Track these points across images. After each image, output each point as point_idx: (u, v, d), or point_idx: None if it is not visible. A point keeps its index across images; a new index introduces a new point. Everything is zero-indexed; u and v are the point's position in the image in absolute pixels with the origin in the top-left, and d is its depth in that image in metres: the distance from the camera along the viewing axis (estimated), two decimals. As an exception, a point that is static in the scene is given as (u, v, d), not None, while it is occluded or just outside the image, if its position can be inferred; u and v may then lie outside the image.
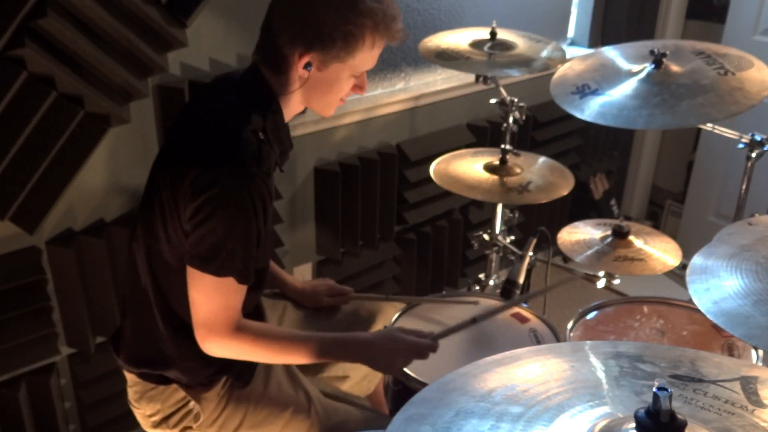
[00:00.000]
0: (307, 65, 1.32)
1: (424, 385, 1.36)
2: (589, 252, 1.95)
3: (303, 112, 1.67)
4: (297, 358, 1.42)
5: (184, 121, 1.40)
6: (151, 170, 1.38)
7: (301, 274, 2.42)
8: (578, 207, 3.24)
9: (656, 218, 3.68)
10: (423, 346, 1.46)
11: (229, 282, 1.29)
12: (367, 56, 1.34)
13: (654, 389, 0.73)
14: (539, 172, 2.09)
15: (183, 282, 1.32)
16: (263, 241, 1.34)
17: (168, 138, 1.38)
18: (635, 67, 1.81)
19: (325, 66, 1.32)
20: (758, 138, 1.86)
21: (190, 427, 1.47)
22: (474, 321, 1.57)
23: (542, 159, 2.19)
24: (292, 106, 1.41)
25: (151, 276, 1.39)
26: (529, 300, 1.99)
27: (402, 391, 1.52)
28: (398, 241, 2.61)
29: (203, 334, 1.34)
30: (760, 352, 1.58)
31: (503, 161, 2.07)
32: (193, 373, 1.43)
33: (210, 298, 1.31)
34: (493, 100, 2.22)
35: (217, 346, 1.35)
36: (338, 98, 1.40)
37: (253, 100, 1.35)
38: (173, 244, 1.33)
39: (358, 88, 1.41)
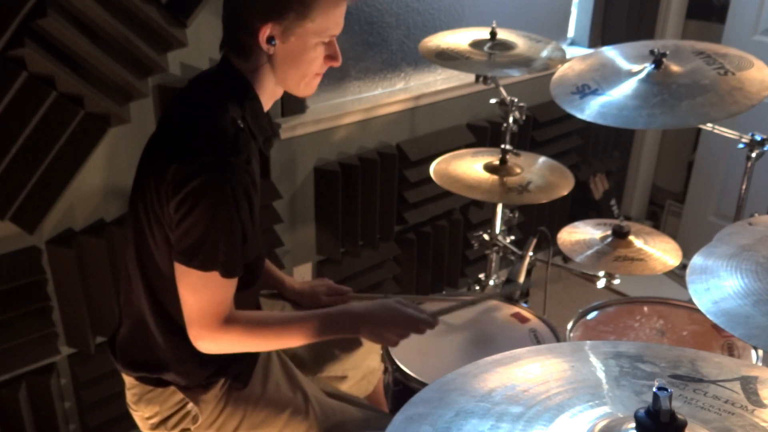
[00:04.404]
0: (270, 40, 1.28)
1: (424, 385, 1.36)
2: (589, 252, 1.95)
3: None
4: (291, 341, 1.41)
5: (162, 125, 1.39)
6: (135, 177, 1.38)
7: (301, 274, 2.42)
8: (578, 207, 3.24)
9: (656, 218, 3.68)
10: (421, 320, 1.44)
11: (215, 276, 1.28)
12: (327, 17, 1.29)
13: (654, 389, 0.73)
14: (539, 172, 2.09)
15: (175, 285, 1.32)
16: (251, 234, 1.32)
17: (148, 143, 1.38)
18: (635, 67, 1.81)
19: (287, 36, 1.28)
20: (758, 138, 1.86)
21: (189, 429, 1.47)
22: (472, 303, 1.58)
23: (542, 159, 2.19)
24: (268, 91, 1.38)
25: (143, 280, 1.38)
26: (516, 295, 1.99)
27: (402, 391, 1.52)
28: (398, 241, 2.61)
29: (195, 333, 1.33)
30: (760, 352, 1.58)
31: (503, 161, 2.07)
32: (190, 376, 1.42)
33: (198, 294, 1.30)
34: (493, 100, 2.21)
35: (209, 342, 1.34)
36: (312, 72, 1.35)
37: (228, 90, 1.33)
38: (161, 247, 1.33)
39: (331, 58, 1.36)
